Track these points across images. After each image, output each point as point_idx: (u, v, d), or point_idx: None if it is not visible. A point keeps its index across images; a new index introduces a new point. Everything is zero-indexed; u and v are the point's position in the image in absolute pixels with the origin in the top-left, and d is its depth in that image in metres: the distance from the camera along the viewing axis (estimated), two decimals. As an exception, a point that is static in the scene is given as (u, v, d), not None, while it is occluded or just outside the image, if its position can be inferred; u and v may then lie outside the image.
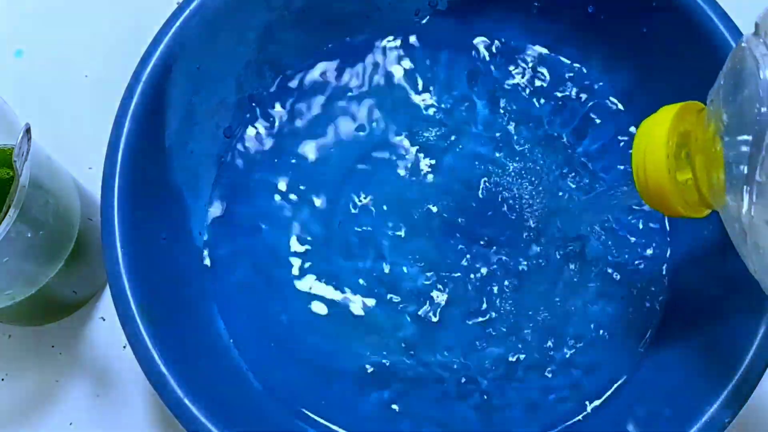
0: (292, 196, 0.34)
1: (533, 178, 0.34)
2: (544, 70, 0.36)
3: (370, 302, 0.33)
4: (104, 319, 0.35)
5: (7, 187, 0.28)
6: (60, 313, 0.35)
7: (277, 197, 0.34)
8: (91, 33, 0.39)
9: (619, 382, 0.32)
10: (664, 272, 0.33)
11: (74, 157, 0.36)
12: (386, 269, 0.33)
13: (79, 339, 0.35)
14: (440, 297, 0.33)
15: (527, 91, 0.36)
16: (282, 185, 0.35)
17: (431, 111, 0.36)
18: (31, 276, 0.31)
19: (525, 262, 0.33)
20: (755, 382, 0.27)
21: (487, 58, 0.36)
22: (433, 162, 0.35)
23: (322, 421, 0.31)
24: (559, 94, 0.36)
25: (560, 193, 0.34)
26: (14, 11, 0.40)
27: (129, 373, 0.34)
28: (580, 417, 0.31)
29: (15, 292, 0.31)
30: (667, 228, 0.34)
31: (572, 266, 0.33)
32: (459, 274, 0.33)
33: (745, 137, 0.21)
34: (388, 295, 0.33)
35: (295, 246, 0.34)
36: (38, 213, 0.29)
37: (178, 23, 0.31)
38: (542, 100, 0.36)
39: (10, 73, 0.39)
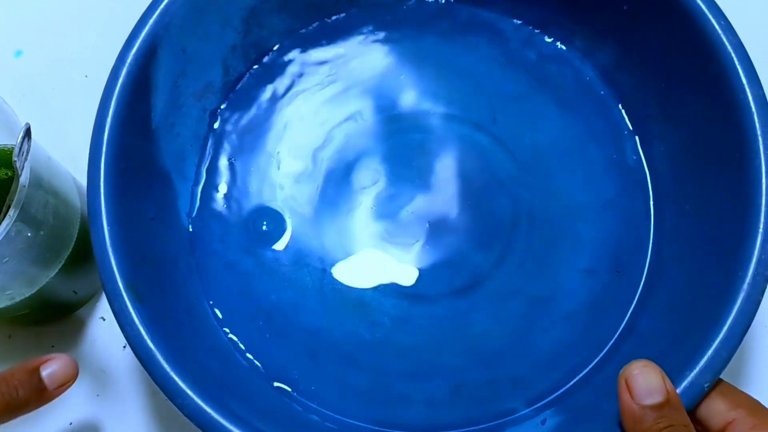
0: (280, 177, 0.35)
1: (513, 156, 0.35)
2: (528, 50, 0.36)
3: (359, 280, 0.33)
4: (104, 319, 0.35)
5: (7, 187, 0.28)
6: (60, 313, 0.35)
7: (264, 178, 0.35)
8: (91, 33, 0.39)
9: (601, 354, 0.32)
10: (646, 246, 0.33)
11: (74, 157, 0.36)
12: (375, 246, 0.34)
13: (79, 339, 0.35)
14: (428, 270, 0.33)
15: (508, 71, 0.36)
16: (269, 166, 0.35)
17: (412, 94, 0.36)
18: (31, 276, 0.31)
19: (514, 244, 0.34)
20: (734, 347, 0.27)
21: (473, 39, 0.36)
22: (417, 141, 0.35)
23: (309, 401, 0.31)
24: (540, 74, 0.36)
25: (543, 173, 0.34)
26: (14, 11, 0.40)
27: (129, 373, 0.34)
28: (567, 387, 0.31)
29: (15, 292, 0.31)
30: (650, 202, 0.34)
31: (560, 245, 0.33)
32: (449, 250, 0.33)
33: None
34: (376, 273, 0.33)
35: (284, 225, 0.34)
36: (38, 213, 0.29)
37: (162, 5, 0.31)
38: (523, 79, 0.36)
39: (10, 73, 0.39)
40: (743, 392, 0.27)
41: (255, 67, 0.36)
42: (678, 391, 0.26)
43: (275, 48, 0.36)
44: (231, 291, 0.33)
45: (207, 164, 0.35)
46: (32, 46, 0.39)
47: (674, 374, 0.27)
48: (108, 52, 0.39)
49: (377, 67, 0.36)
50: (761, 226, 0.28)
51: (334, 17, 0.36)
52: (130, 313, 0.27)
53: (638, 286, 0.33)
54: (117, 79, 0.30)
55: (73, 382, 0.28)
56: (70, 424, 0.34)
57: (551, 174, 0.34)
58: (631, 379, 0.25)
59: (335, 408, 0.31)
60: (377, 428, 0.31)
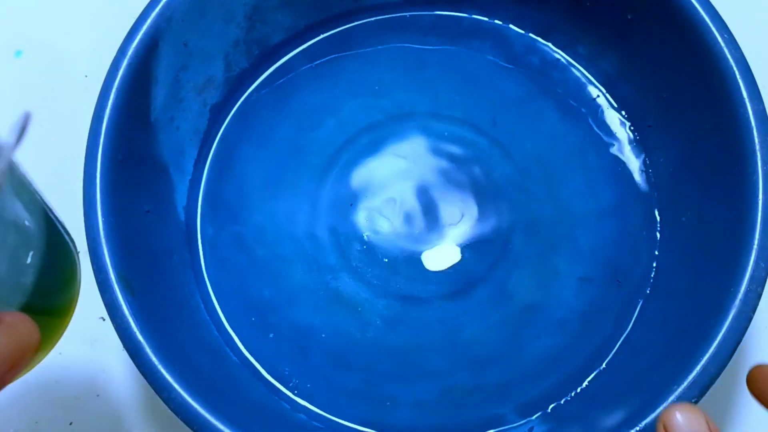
0: (278, 175, 0.35)
1: (512, 160, 0.35)
2: (532, 55, 0.36)
3: (353, 279, 0.33)
4: (104, 319, 0.35)
5: None
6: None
7: (263, 175, 0.35)
8: (90, 33, 0.39)
9: (592, 363, 0.32)
10: (642, 257, 0.33)
11: (74, 157, 0.36)
12: (369, 246, 0.34)
13: (79, 339, 0.35)
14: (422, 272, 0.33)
15: (510, 74, 0.36)
16: (268, 164, 0.35)
17: (413, 95, 0.36)
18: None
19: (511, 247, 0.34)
20: (723, 363, 0.27)
21: (476, 43, 0.36)
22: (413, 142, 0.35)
23: (298, 398, 0.32)
24: (542, 80, 0.36)
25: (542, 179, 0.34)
26: (14, 11, 0.40)
27: (129, 373, 0.35)
28: (555, 395, 0.31)
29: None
30: (648, 212, 0.34)
31: (556, 252, 0.33)
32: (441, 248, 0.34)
33: None
34: (370, 272, 0.33)
35: (280, 223, 0.34)
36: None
37: None
38: (526, 84, 0.36)
39: (10, 73, 0.39)
40: None
41: (257, 63, 0.36)
42: (665, 405, 0.26)
43: (278, 45, 0.36)
44: (224, 286, 0.33)
45: (206, 159, 0.35)
46: (32, 46, 0.39)
47: (662, 387, 0.27)
48: (108, 52, 0.39)
49: (379, 68, 0.36)
50: (756, 242, 0.28)
51: (338, 16, 0.36)
52: (120, 305, 0.28)
53: (632, 297, 0.33)
54: (117, 70, 0.30)
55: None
56: (70, 424, 0.34)
57: (550, 180, 0.34)
58: (671, 426, 0.22)
59: (323, 406, 0.32)
60: (364, 428, 0.31)
